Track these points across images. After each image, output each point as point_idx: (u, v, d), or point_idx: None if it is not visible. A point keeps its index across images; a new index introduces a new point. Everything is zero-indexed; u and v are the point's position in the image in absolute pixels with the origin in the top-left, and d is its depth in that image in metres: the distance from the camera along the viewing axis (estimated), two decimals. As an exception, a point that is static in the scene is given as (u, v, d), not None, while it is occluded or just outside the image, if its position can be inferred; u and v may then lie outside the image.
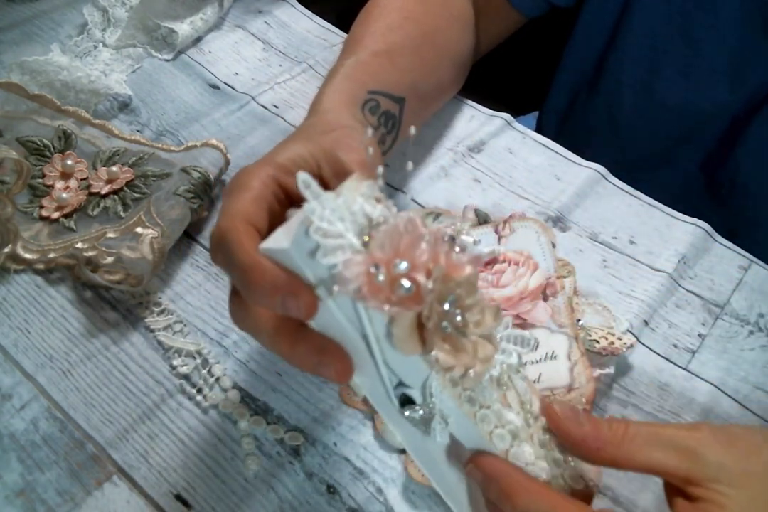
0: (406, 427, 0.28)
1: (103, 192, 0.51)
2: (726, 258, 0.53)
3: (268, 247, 0.25)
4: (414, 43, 0.51)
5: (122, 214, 0.50)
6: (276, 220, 0.28)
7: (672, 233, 0.54)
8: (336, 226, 0.23)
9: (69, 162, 0.52)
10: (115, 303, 0.48)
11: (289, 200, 0.31)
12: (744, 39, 0.54)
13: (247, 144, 0.58)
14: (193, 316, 0.47)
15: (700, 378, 0.46)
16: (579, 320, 0.46)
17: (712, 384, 0.46)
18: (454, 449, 0.30)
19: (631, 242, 0.53)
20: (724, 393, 0.45)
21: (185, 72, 0.64)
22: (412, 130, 0.27)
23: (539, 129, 0.75)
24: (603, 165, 0.58)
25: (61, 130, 0.54)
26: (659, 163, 0.67)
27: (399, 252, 0.23)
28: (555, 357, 0.43)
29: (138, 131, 0.58)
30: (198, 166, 0.51)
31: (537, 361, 0.43)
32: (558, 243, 0.51)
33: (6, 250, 0.48)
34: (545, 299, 0.46)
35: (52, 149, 0.54)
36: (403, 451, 0.42)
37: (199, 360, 0.45)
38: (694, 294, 0.51)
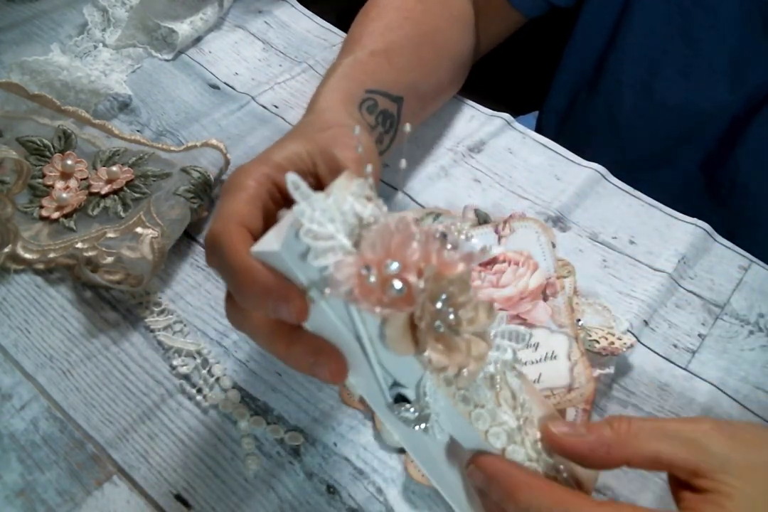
0: (403, 427, 0.28)
1: (103, 192, 0.51)
2: (726, 258, 0.53)
3: (260, 249, 0.25)
4: (413, 42, 0.51)
5: (122, 214, 0.50)
6: (271, 219, 0.28)
7: (672, 233, 0.54)
8: (326, 228, 0.23)
9: (69, 162, 0.52)
10: (115, 303, 0.48)
11: (286, 199, 0.31)
12: (744, 39, 0.54)
13: (247, 144, 0.58)
14: (193, 316, 0.47)
15: (700, 378, 0.46)
16: (579, 320, 0.46)
17: (712, 384, 0.46)
18: (453, 448, 0.30)
19: (631, 242, 0.53)
20: (724, 393, 0.45)
21: (185, 72, 0.64)
22: (407, 127, 0.27)
23: (539, 129, 0.75)
24: (603, 165, 0.58)
25: (61, 130, 0.54)
26: (659, 163, 0.67)
27: (390, 252, 0.23)
28: (555, 357, 0.43)
29: (138, 131, 0.58)
30: (198, 166, 0.51)
31: (537, 361, 0.43)
32: (558, 243, 0.51)
33: (6, 250, 0.48)
34: (545, 299, 0.46)
35: (52, 149, 0.54)
36: (402, 451, 0.42)
37: (199, 360, 0.45)
38: (694, 294, 0.51)
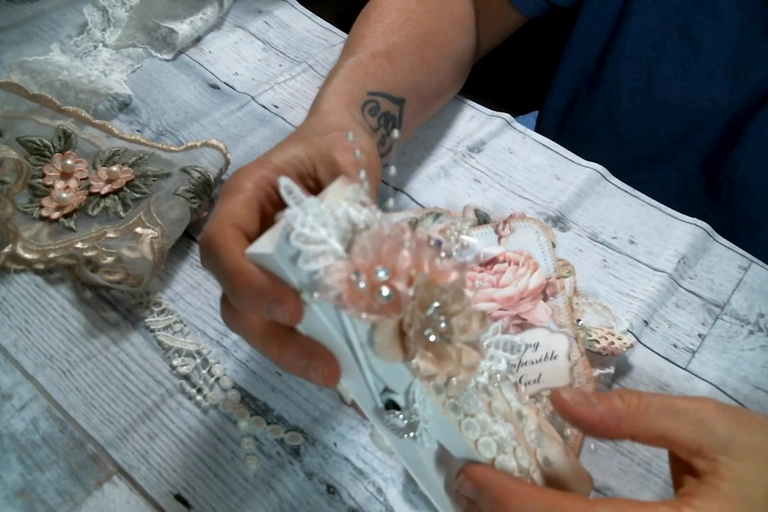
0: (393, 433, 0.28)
1: (103, 192, 0.51)
2: (726, 258, 0.53)
3: (253, 251, 0.25)
4: (414, 43, 0.51)
5: (122, 214, 0.50)
6: (269, 222, 0.28)
7: (672, 233, 0.54)
8: (318, 232, 0.23)
9: (69, 162, 0.52)
10: (115, 303, 0.48)
11: (284, 202, 0.31)
12: (743, 38, 0.54)
13: (247, 144, 0.58)
14: (193, 316, 0.47)
15: (700, 378, 0.46)
16: (579, 320, 0.46)
17: (712, 384, 0.46)
18: (442, 456, 0.30)
19: (631, 242, 0.53)
20: (724, 393, 0.45)
21: (185, 72, 0.64)
22: (395, 133, 0.27)
23: (539, 128, 0.75)
24: (603, 164, 0.58)
25: (61, 130, 0.54)
26: (659, 163, 0.67)
27: (381, 258, 0.23)
28: (555, 357, 0.43)
29: (138, 131, 0.58)
30: (198, 166, 0.51)
31: (537, 361, 0.43)
32: (558, 243, 0.51)
33: (6, 249, 0.48)
34: (545, 299, 0.46)
35: (52, 149, 0.54)
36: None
37: (199, 360, 0.45)
38: (694, 294, 0.51)
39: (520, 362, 0.43)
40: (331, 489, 0.40)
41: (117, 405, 0.43)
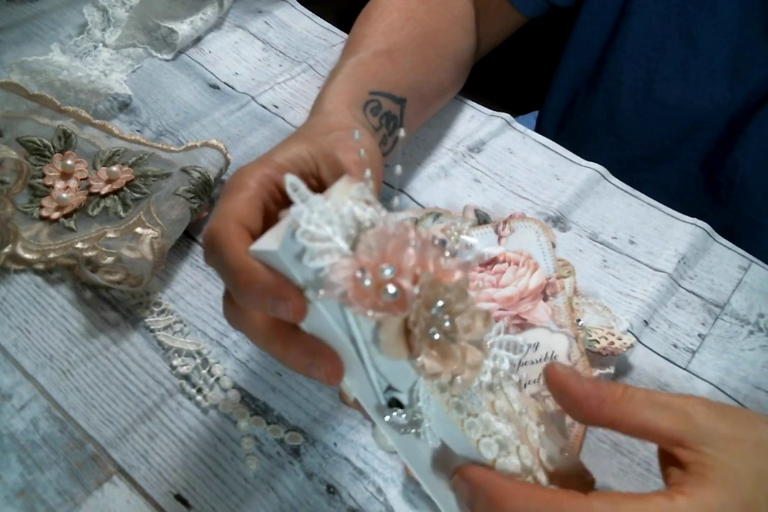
0: (396, 431, 0.28)
1: (103, 192, 0.51)
2: (726, 259, 0.53)
3: (258, 248, 0.25)
4: (415, 43, 0.51)
5: (122, 214, 0.50)
6: (272, 220, 0.28)
7: (672, 233, 0.54)
8: (323, 230, 0.23)
9: (69, 162, 0.52)
10: (115, 303, 0.48)
11: (287, 200, 0.31)
12: (743, 38, 0.54)
13: (247, 144, 0.58)
14: (193, 316, 0.47)
15: (700, 378, 0.46)
16: (579, 320, 0.46)
17: (712, 384, 0.46)
18: (445, 454, 0.30)
19: (631, 242, 0.53)
20: (724, 393, 0.45)
21: (185, 72, 0.64)
22: (401, 132, 0.27)
23: (539, 128, 0.75)
24: (603, 164, 0.58)
25: (61, 130, 0.54)
26: (659, 163, 0.67)
27: (386, 256, 0.23)
28: (555, 357, 0.43)
29: (138, 131, 0.58)
30: (198, 166, 0.51)
31: (537, 361, 0.43)
32: (558, 243, 0.51)
33: (6, 250, 0.48)
34: (545, 299, 0.46)
35: (52, 149, 0.54)
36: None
37: (199, 360, 0.45)
38: (694, 294, 0.51)
39: (520, 362, 0.43)
40: (331, 489, 0.40)
41: (117, 405, 0.43)
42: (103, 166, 0.53)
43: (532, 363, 0.43)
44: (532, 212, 0.54)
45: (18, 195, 0.49)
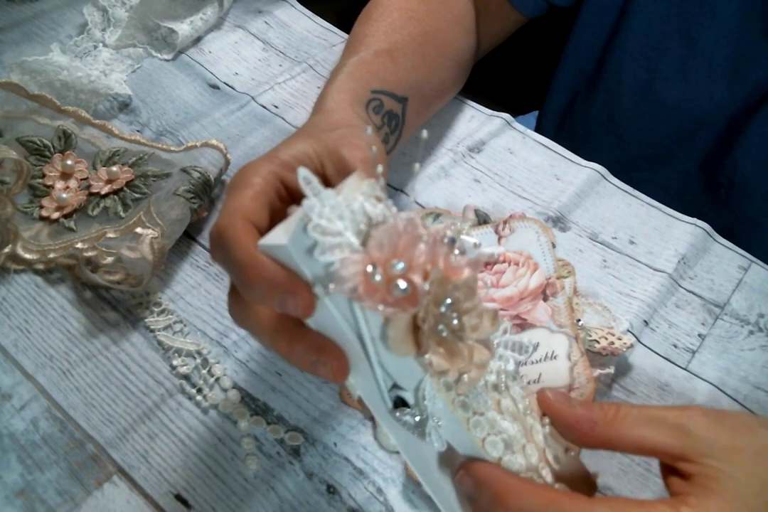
0: (400, 430, 0.28)
1: (103, 192, 0.51)
2: (726, 258, 0.53)
3: (267, 243, 0.25)
4: (416, 42, 0.51)
5: (122, 214, 0.50)
6: (277, 217, 0.28)
7: (672, 233, 0.54)
8: (335, 224, 0.23)
9: (69, 162, 0.52)
10: (115, 303, 0.48)
11: (292, 197, 0.31)
12: (743, 38, 0.54)
13: (247, 144, 0.58)
14: (193, 316, 0.47)
15: (700, 378, 0.46)
16: (579, 320, 0.46)
17: (712, 384, 0.46)
18: (448, 454, 0.30)
19: (631, 242, 0.53)
20: (724, 393, 0.45)
21: (185, 72, 0.64)
22: (424, 133, 0.27)
23: (539, 128, 0.75)
24: (603, 164, 0.58)
25: (61, 130, 0.54)
26: (659, 163, 0.67)
27: (397, 252, 0.23)
28: (555, 357, 0.43)
29: (138, 131, 0.58)
30: (198, 166, 0.51)
31: (537, 361, 0.43)
32: (558, 243, 0.51)
33: (6, 250, 0.48)
34: (545, 299, 0.46)
35: (52, 149, 0.54)
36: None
37: (199, 360, 0.45)
38: (694, 294, 0.51)
39: (520, 363, 0.43)
40: (331, 489, 0.40)
41: (117, 405, 0.43)
42: (103, 166, 0.53)
43: (532, 363, 0.43)
44: (532, 212, 0.54)
45: (18, 195, 0.49)
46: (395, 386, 0.27)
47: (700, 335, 0.48)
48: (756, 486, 0.27)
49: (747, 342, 0.48)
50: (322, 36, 0.69)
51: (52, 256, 0.48)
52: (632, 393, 0.45)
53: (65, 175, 0.52)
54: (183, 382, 0.44)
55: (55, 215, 0.50)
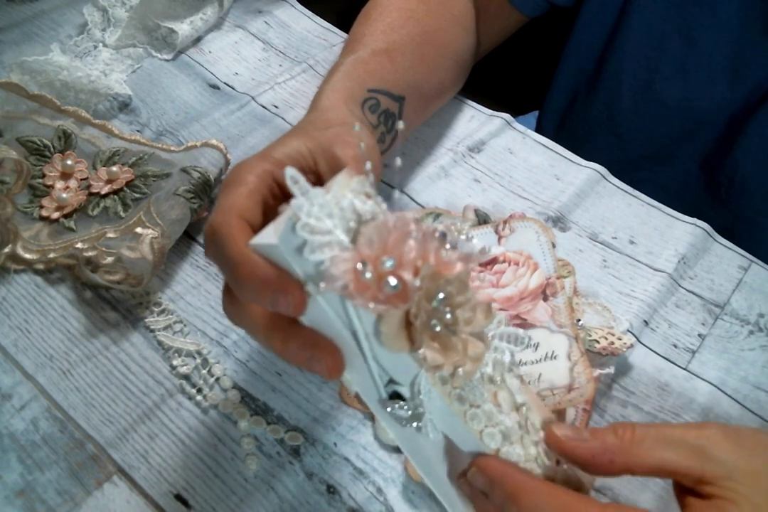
0: (397, 424, 0.28)
1: (103, 192, 0.51)
2: (726, 258, 0.53)
3: (258, 242, 0.25)
4: (415, 42, 0.51)
5: (122, 214, 0.50)
6: (272, 215, 0.28)
7: (672, 233, 0.54)
8: (324, 223, 0.23)
9: (69, 162, 0.52)
10: (115, 303, 0.48)
11: (286, 195, 0.31)
12: (743, 37, 0.54)
13: (247, 144, 0.58)
14: (193, 316, 0.47)
15: (700, 378, 0.46)
16: (579, 320, 0.46)
17: (712, 384, 0.46)
18: (447, 447, 0.30)
19: (631, 242, 0.53)
20: (724, 393, 0.45)
21: (185, 72, 0.64)
22: (400, 124, 0.27)
23: (539, 128, 0.75)
24: (603, 164, 0.58)
25: (61, 130, 0.54)
26: (659, 162, 0.67)
27: (387, 249, 0.23)
28: (555, 357, 0.43)
29: (138, 131, 0.58)
30: (198, 166, 0.51)
31: (537, 361, 0.43)
32: (558, 243, 0.51)
33: (6, 250, 0.48)
34: (545, 299, 0.46)
35: (52, 149, 0.54)
36: (401, 450, 0.42)
37: (199, 360, 0.45)
38: (694, 294, 0.51)
39: (520, 362, 0.43)
40: (331, 489, 0.40)
41: (117, 405, 0.43)
42: (103, 166, 0.53)
43: (532, 363, 0.43)
44: (532, 212, 0.54)
45: (18, 195, 0.49)
46: (391, 381, 0.27)
47: (700, 335, 0.48)
48: None
49: (747, 342, 0.48)
50: (322, 36, 0.69)
51: (52, 255, 0.48)
52: (632, 393, 0.45)
53: (65, 175, 0.52)
54: (183, 382, 0.44)
55: (55, 215, 0.50)
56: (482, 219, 0.51)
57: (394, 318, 0.24)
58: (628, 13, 0.58)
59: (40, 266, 0.48)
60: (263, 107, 0.61)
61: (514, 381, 0.30)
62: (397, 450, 0.42)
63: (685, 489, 0.28)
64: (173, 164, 0.52)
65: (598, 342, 0.44)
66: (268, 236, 0.25)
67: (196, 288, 0.49)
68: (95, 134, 0.55)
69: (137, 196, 0.51)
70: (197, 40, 0.67)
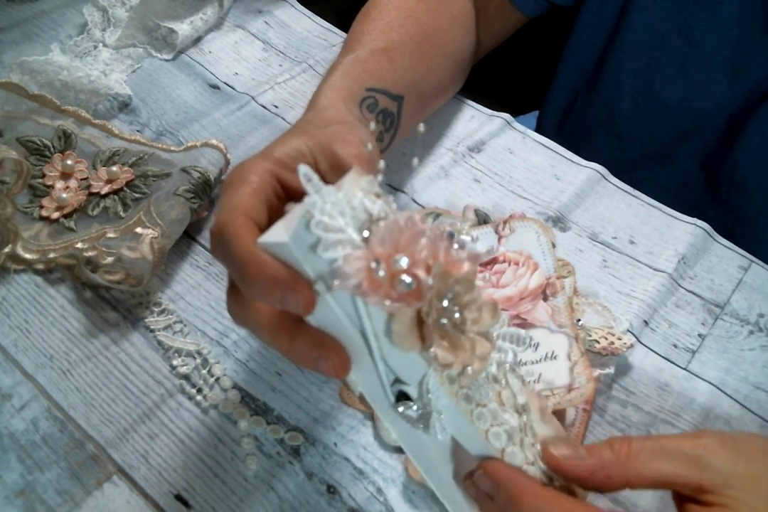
0: (401, 424, 0.28)
1: (103, 192, 0.51)
2: (726, 259, 0.53)
3: (267, 240, 0.25)
4: (414, 41, 0.51)
5: (122, 214, 0.50)
6: (274, 214, 0.28)
7: (672, 233, 0.54)
8: (337, 221, 0.23)
9: (69, 162, 0.52)
10: (115, 303, 0.48)
11: (287, 195, 0.31)
12: (743, 36, 0.54)
13: (247, 144, 0.58)
14: (193, 316, 0.47)
15: (700, 378, 0.46)
16: (579, 320, 0.46)
17: (712, 384, 0.46)
18: (451, 447, 0.30)
19: (631, 242, 0.53)
20: (724, 393, 0.45)
21: (185, 72, 0.64)
22: (421, 127, 0.27)
23: (539, 128, 0.75)
24: (603, 163, 0.58)
25: (61, 130, 0.54)
26: (659, 162, 0.67)
27: (399, 247, 0.23)
28: (555, 357, 0.43)
29: (138, 131, 0.58)
30: (198, 166, 0.51)
31: (537, 361, 0.43)
32: (558, 243, 0.51)
33: (6, 250, 0.48)
34: (545, 299, 0.46)
35: (52, 149, 0.54)
36: (401, 450, 0.42)
37: (199, 360, 0.45)
38: (694, 294, 0.51)
39: (520, 362, 0.43)
40: (331, 489, 0.40)
41: (117, 405, 0.43)
42: (103, 166, 0.53)
43: (532, 363, 0.43)
44: (532, 212, 0.54)
45: (18, 195, 0.49)
46: (397, 381, 0.27)
47: (700, 335, 0.48)
48: None
49: (747, 342, 0.48)
50: (322, 36, 0.69)
51: (52, 255, 0.48)
52: (632, 393, 0.45)
53: (65, 175, 0.52)
54: (183, 382, 0.44)
55: (55, 215, 0.50)
56: (482, 219, 0.51)
57: (405, 317, 0.24)
58: (628, 13, 0.58)
59: (40, 266, 0.49)
60: (263, 107, 0.61)
61: (516, 381, 0.30)
62: (397, 450, 0.42)
63: (685, 497, 0.29)
64: (173, 164, 0.52)
65: (598, 342, 0.44)
66: (278, 234, 0.25)
67: (196, 288, 0.49)
68: (95, 134, 0.55)
69: (137, 196, 0.51)
70: (197, 40, 0.67)
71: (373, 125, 0.28)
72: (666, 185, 0.66)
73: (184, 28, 0.64)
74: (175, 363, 0.45)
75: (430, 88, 0.53)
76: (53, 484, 0.40)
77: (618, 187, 0.57)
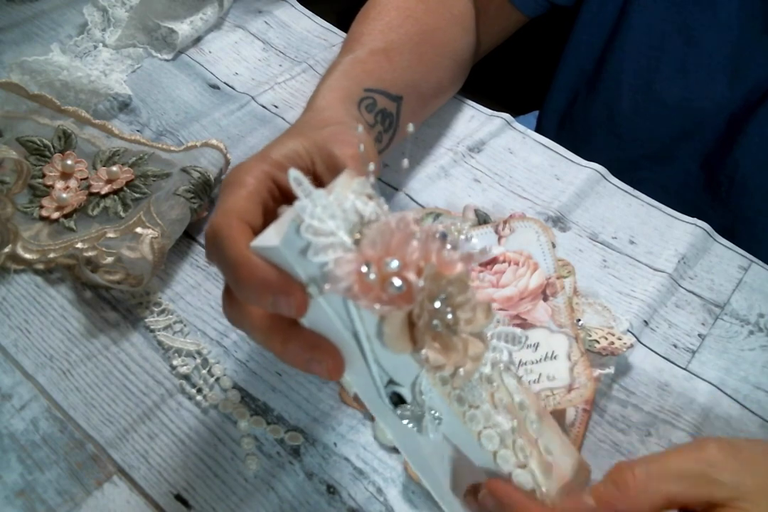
0: (396, 425, 0.28)
1: (103, 192, 0.51)
2: (726, 258, 0.53)
3: (259, 244, 0.25)
4: (413, 41, 0.51)
5: (122, 214, 0.50)
6: (271, 216, 0.28)
7: (672, 233, 0.54)
8: (327, 224, 0.23)
9: (69, 162, 0.52)
10: (115, 303, 0.48)
11: (284, 196, 0.31)
12: (743, 36, 0.54)
13: (247, 144, 0.58)
14: (193, 316, 0.47)
15: (700, 378, 0.46)
16: (579, 320, 0.46)
17: (712, 384, 0.46)
18: (445, 448, 0.30)
19: (631, 242, 0.53)
20: (724, 393, 0.45)
21: (185, 72, 0.64)
22: (410, 127, 0.27)
23: (539, 128, 0.75)
24: (603, 163, 0.58)
25: (61, 130, 0.54)
26: (659, 162, 0.67)
27: (390, 250, 0.23)
28: (555, 357, 0.43)
29: (138, 131, 0.58)
30: (198, 166, 0.51)
31: (537, 361, 0.43)
32: (558, 243, 0.51)
33: (6, 249, 0.48)
34: (545, 299, 0.46)
35: (52, 149, 0.54)
36: (398, 450, 0.42)
37: (199, 360, 0.45)
38: (694, 294, 0.51)
39: (520, 362, 0.43)
40: (331, 489, 0.40)
41: (117, 405, 0.43)
42: (103, 166, 0.53)
43: (532, 363, 0.43)
44: (532, 212, 0.54)
45: (18, 195, 0.49)
46: (391, 382, 0.28)
47: (700, 335, 0.48)
48: None
49: (747, 342, 0.48)
50: (322, 36, 0.69)
51: (52, 255, 0.48)
52: (632, 393, 0.45)
53: (65, 175, 0.52)
54: (183, 382, 0.44)
55: (55, 215, 0.50)
56: (482, 219, 0.51)
57: (396, 319, 0.24)
58: (628, 13, 0.58)
59: (40, 266, 0.48)
60: (263, 107, 0.61)
61: (512, 380, 0.30)
62: (396, 450, 0.42)
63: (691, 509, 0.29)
64: (173, 164, 0.52)
65: (598, 342, 0.44)
66: (270, 238, 0.25)
67: (196, 288, 0.49)
68: (95, 134, 0.55)
69: (137, 196, 0.51)
70: (197, 40, 0.67)
71: (360, 128, 0.28)
72: (666, 185, 0.66)
73: (184, 28, 0.64)
74: (175, 363, 0.45)
75: (430, 89, 0.53)
76: (53, 484, 0.40)
77: (618, 187, 0.57)
